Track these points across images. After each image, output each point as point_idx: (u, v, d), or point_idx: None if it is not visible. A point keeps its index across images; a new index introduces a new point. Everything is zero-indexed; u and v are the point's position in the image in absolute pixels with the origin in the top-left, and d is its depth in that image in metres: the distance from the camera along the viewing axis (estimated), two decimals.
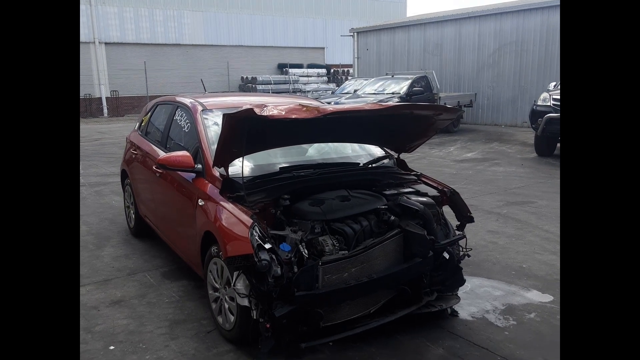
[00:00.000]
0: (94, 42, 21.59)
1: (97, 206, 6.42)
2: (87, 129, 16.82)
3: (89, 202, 6.66)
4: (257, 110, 2.52)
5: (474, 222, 3.61)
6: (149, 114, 5.06)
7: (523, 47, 14.51)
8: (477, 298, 3.65)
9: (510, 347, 3.01)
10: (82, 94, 21.34)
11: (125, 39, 22.46)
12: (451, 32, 16.51)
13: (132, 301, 3.68)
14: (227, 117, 2.73)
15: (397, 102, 12.01)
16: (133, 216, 5.09)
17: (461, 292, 3.53)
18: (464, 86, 16.21)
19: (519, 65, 14.71)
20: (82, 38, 21.28)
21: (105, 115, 21.94)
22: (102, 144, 12.81)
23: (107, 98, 22.09)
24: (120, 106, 22.22)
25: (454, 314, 3.40)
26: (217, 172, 3.28)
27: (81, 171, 8.87)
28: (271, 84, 24.74)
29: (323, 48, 28.90)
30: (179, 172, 3.61)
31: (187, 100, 4.22)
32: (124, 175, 5.37)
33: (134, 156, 4.94)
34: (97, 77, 21.81)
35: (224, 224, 2.92)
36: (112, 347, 3.05)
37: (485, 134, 13.60)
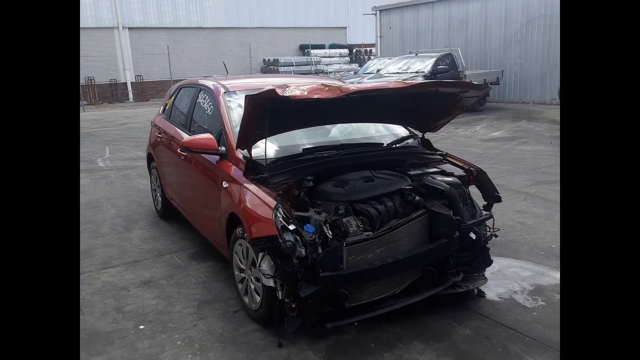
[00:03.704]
0: (118, 28, 21.80)
1: (125, 189, 6.55)
2: (114, 113, 17.11)
3: (117, 185, 6.79)
4: (279, 91, 2.50)
5: (501, 201, 3.54)
6: (173, 97, 5.09)
7: (552, 21, 14.01)
8: (504, 279, 3.60)
9: (538, 327, 2.96)
10: (107, 80, 21.68)
11: (148, 23, 22.60)
12: (477, 8, 16.04)
13: (160, 282, 3.75)
14: (249, 99, 2.71)
15: (422, 80, 11.81)
16: (160, 199, 5.17)
17: (488, 272, 3.48)
18: (490, 63, 15.79)
19: (548, 40, 14.23)
20: (106, 23, 21.53)
21: (131, 100, 22.26)
22: (128, 128, 13.02)
23: (132, 83, 22.37)
24: (145, 91, 22.50)
25: (481, 294, 3.36)
26: (240, 154, 3.29)
27: (109, 155, 9.05)
28: (293, 65, 24.61)
29: (345, 28, 28.52)
30: (203, 155, 3.63)
31: (209, 83, 4.22)
32: (150, 158, 5.44)
33: (159, 140, 5.00)
34: (121, 62, 22.08)
35: (248, 205, 2.93)
36: (142, 327, 3.13)
37: (512, 112, 13.27)
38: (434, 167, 3.50)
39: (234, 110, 3.72)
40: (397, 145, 3.70)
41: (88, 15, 21.11)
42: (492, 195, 3.50)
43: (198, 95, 4.33)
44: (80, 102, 18.62)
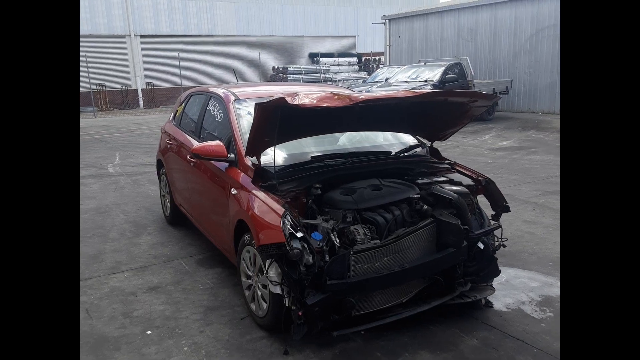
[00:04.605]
0: (130, 35, 22.06)
1: (134, 195, 6.60)
2: (124, 120, 17.27)
3: (127, 191, 6.85)
4: (288, 99, 2.52)
5: (509, 211, 3.53)
6: (183, 104, 5.14)
7: None
8: (512, 289, 3.57)
9: (546, 339, 2.94)
10: (119, 86, 21.90)
11: (160, 31, 22.84)
12: (486, 17, 16.06)
13: (168, 287, 3.77)
14: (259, 107, 2.74)
15: (431, 89, 11.80)
16: (168, 205, 5.21)
17: (496, 283, 3.46)
18: (499, 73, 15.77)
19: (558, 49, 14.18)
20: (118, 31, 21.80)
21: (141, 106, 22.45)
22: (138, 134, 13.13)
23: (142, 90, 22.59)
24: (155, 97, 22.69)
25: (489, 305, 3.34)
26: (249, 161, 3.31)
27: (119, 161, 9.13)
28: (302, 73, 24.72)
29: (354, 36, 28.64)
30: (213, 162, 3.66)
31: (219, 91, 4.26)
32: (159, 165, 5.49)
33: (169, 146, 5.04)
34: (132, 69, 22.31)
35: (256, 212, 2.94)
36: (149, 332, 3.14)
37: (521, 121, 13.23)
38: (442, 176, 3.49)
39: (244, 118, 3.75)
40: (406, 153, 3.71)
41: (100, 23, 21.39)
42: (500, 205, 3.48)
43: (208, 103, 4.37)
44: (92, 108, 18.84)
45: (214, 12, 24.13)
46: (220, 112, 4.05)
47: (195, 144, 3.97)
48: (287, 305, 2.76)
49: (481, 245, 3.21)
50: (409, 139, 3.96)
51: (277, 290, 2.78)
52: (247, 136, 3.27)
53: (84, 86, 18.90)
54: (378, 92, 11.69)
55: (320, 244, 2.75)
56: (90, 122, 16.27)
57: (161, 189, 5.51)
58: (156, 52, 22.73)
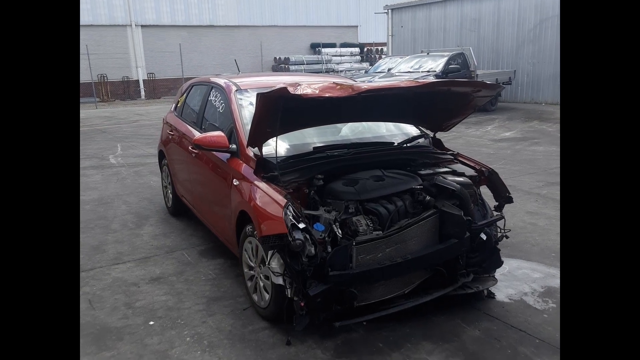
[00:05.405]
0: (131, 25, 21.95)
1: (136, 186, 6.60)
2: (126, 111, 17.24)
3: (129, 182, 6.85)
4: (290, 89, 2.50)
5: (512, 202, 3.51)
6: (185, 95, 5.12)
7: None
8: (515, 280, 3.57)
9: (549, 329, 2.94)
10: (120, 77, 21.83)
11: (161, 21, 22.72)
12: (490, 7, 15.92)
13: (170, 278, 3.78)
14: (260, 97, 2.72)
15: (433, 79, 11.73)
16: (170, 196, 5.20)
17: (498, 273, 3.46)
18: (502, 63, 15.67)
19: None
20: (119, 21, 21.69)
21: (143, 97, 22.39)
22: (140, 125, 13.11)
23: (144, 80, 22.52)
24: (156, 88, 22.63)
25: (491, 295, 3.34)
26: (251, 152, 3.30)
27: (121, 152, 9.12)
28: (304, 64, 24.61)
29: (356, 26, 28.46)
30: (214, 152, 3.65)
31: (221, 81, 4.23)
32: (161, 155, 5.48)
33: (170, 137, 5.03)
34: (134, 59, 22.22)
35: (258, 203, 2.94)
36: (151, 323, 3.15)
37: (524, 112, 13.16)
38: (445, 167, 3.48)
39: (245, 108, 3.73)
40: (408, 144, 3.69)
41: (101, 13, 21.28)
42: (503, 196, 3.47)
43: (210, 93, 4.35)
44: (93, 99, 18.81)
45: (215, 1, 23.96)
46: (221, 103, 4.03)
47: (197, 134, 3.95)
48: (289, 296, 2.76)
49: (484, 236, 3.20)
50: (412, 130, 3.94)
51: (280, 281, 2.78)
52: (248, 127, 3.25)
53: (86, 77, 18.86)
54: (381, 82, 11.63)
55: (323, 234, 2.74)
56: (91, 113, 16.25)
57: (163, 179, 5.51)
58: (157, 42, 22.62)
